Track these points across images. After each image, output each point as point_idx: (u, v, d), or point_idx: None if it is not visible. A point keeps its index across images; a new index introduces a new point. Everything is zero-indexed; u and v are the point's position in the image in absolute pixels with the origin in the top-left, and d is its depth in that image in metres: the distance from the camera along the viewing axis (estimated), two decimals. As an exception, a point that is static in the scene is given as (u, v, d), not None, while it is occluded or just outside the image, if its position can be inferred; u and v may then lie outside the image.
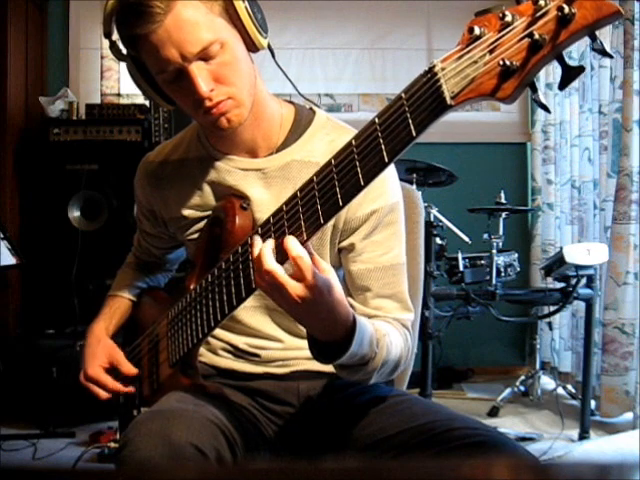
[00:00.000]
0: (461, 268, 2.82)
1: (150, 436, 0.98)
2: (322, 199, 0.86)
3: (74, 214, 3.28)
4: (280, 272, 0.86)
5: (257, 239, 0.92)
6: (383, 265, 1.16)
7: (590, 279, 2.78)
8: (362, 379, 1.06)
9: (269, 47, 1.13)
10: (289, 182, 1.16)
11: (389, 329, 1.10)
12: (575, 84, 3.46)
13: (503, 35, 0.72)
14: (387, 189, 1.16)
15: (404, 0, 3.96)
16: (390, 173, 1.17)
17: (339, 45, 3.96)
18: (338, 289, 0.91)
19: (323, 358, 0.97)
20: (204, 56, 1.04)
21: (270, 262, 0.87)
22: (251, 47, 1.10)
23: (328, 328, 0.92)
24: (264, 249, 0.88)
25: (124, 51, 1.13)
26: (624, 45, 2.87)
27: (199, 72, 1.04)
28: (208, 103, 1.06)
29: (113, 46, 1.13)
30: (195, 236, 1.23)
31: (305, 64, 3.91)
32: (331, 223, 1.14)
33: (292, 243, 0.86)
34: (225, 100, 1.07)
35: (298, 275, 0.87)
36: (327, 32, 3.95)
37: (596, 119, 3.26)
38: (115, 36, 1.11)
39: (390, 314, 1.15)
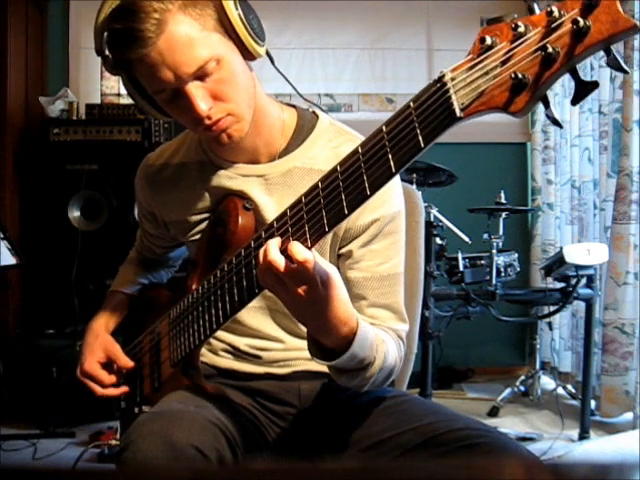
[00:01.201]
0: (461, 268, 2.82)
1: (151, 437, 0.98)
2: (327, 206, 0.85)
3: (74, 214, 3.28)
4: (283, 263, 0.85)
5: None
6: (380, 274, 1.14)
7: (590, 279, 2.78)
8: (358, 385, 1.05)
9: (267, 53, 1.11)
10: (291, 189, 1.15)
11: (386, 337, 1.09)
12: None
13: (516, 46, 0.70)
14: (389, 198, 1.14)
15: (404, 0, 3.96)
16: (393, 181, 1.16)
17: (339, 45, 3.96)
18: (341, 286, 0.91)
19: (323, 359, 0.96)
20: (200, 75, 1.02)
21: (274, 253, 0.86)
22: (248, 56, 1.08)
23: (330, 326, 0.91)
24: (269, 243, 0.87)
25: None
26: (624, 45, 2.87)
27: (196, 92, 1.03)
28: (207, 122, 1.05)
29: (106, 62, 1.11)
30: (197, 237, 1.23)
31: (305, 64, 3.90)
32: (324, 238, 1.13)
33: (298, 248, 0.85)
34: (224, 117, 1.06)
35: (302, 272, 0.86)
36: (327, 32, 3.95)
37: (596, 119, 3.26)
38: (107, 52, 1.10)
39: (385, 324, 1.14)
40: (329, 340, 0.94)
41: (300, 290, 0.86)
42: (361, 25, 3.96)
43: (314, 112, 1.22)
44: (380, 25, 3.96)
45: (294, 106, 1.22)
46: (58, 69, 3.84)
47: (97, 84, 3.87)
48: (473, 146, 3.94)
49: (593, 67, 3.25)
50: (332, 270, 0.90)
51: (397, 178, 1.17)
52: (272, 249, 0.86)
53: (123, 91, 3.89)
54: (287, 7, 3.84)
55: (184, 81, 1.02)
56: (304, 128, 1.18)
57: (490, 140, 3.97)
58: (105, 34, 1.06)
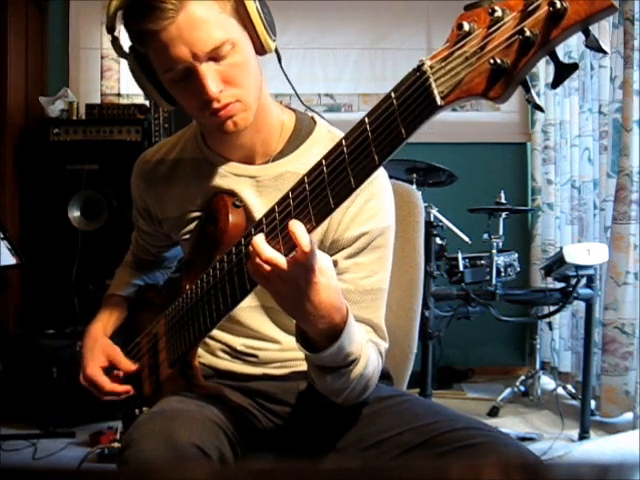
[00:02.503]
0: (461, 268, 2.82)
1: (153, 436, 0.98)
2: (314, 201, 0.85)
3: (74, 214, 3.28)
4: (281, 259, 0.86)
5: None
6: (364, 288, 1.13)
7: (590, 279, 2.78)
8: (338, 389, 1.04)
9: (276, 51, 1.11)
10: (281, 193, 1.14)
11: (369, 341, 1.09)
12: (575, 84, 3.46)
13: (493, 32, 0.69)
14: (380, 212, 1.13)
15: (404, 0, 3.96)
16: (385, 196, 1.15)
17: (339, 45, 3.96)
18: (334, 274, 0.92)
19: (312, 352, 0.96)
20: (215, 56, 1.02)
21: (268, 251, 0.86)
22: (259, 50, 1.08)
23: (322, 313, 0.91)
24: (257, 240, 0.88)
25: (126, 48, 1.11)
26: (624, 45, 2.87)
27: (208, 72, 1.02)
28: (216, 105, 1.04)
29: (115, 42, 1.10)
30: (189, 236, 1.22)
31: (305, 64, 3.90)
32: (318, 238, 1.12)
33: (304, 238, 0.85)
34: (233, 102, 1.05)
35: (303, 262, 0.86)
36: (327, 32, 3.95)
37: (596, 119, 3.25)
38: (117, 32, 1.09)
39: None
40: (320, 329, 0.93)
41: (299, 279, 0.87)
42: (361, 25, 3.96)
43: (312, 117, 1.21)
44: (380, 25, 3.96)
45: (293, 109, 1.22)
46: (58, 69, 3.84)
47: (97, 84, 3.87)
48: (473, 146, 3.94)
49: (593, 67, 3.25)
50: (326, 258, 0.91)
51: (390, 193, 1.17)
52: (264, 248, 0.86)
53: (123, 91, 3.91)
54: (287, 7, 3.84)
55: (199, 59, 1.01)
56: (301, 133, 1.18)
57: (490, 140, 3.97)
58: (120, 12, 1.03)
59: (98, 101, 3.78)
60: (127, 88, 3.83)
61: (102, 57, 3.82)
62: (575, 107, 3.49)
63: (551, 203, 3.75)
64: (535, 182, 3.90)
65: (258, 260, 0.87)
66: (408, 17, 3.98)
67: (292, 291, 0.89)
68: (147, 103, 3.40)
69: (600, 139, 3.19)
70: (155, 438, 0.97)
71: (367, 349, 1.04)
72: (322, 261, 0.89)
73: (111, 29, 1.08)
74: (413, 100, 0.74)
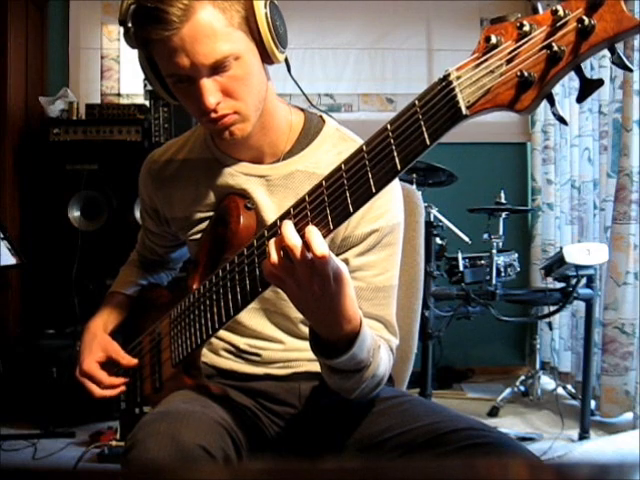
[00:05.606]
0: (461, 268, 2.82)
1: (159, 437, 0.98)
2: (332, 204, 0.85)
3: (74, 214, 3.28)
4: (303, 248, 0.85)
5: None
6: (375, 285, 1.14)
7: (590, 279, 2.78)
8: (348, 389, 1.05)
9: (286, 60, 1.11)
10: (292, 192, 1.15)
11: (381, 344, 1.09)
12: (575, 84, 3.46)
13: (521, 45, 0.71)
14: (390, 209, 1.14)
15: (404, 0, 3.96)
16: (394, 193, 1.16)
17: (339, 45, 3.96)
18: (351, 284, 0.92)
19: (323, 356, 0.96)
20: (216, 68, 1.02)
21: (295, 238, 0.85)
22: (267, 60, 1.08)
23: (336, 322, 0.92)
24: (287, 226, 0.87)
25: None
26: (624, 45, 2.87)
27: (207, 84, 1.03)
28: (213, 115, 1.05)
29: (127, 33, 1.09)
30: (198, 236, 1.22)
31: (305, 64, 3.90)
32: (329, 237, 1.12)
33: (318, 241, 0.84)
34: (230, 114, 1.06)
35: (318, 267, 0.85)
36: (327, 32, 3.95)
37: (596, 119, 3.26)
38: (130, 24, 1.09)
39: (377, 333, 1.13)
40: (332, 336, 0.94)
41: (312, 284, 0.86)
42: (361, 25, 3.96)
43: (321, 117, 1.22)
44: (380, 25, 3.96)
45: (302, 109, 1.22)
46: (58, 69, 3.84)
47: (97, 84, 3.87)
48: (473, 146, 3.94)
49: (593, 67, 3.24)
50: (343, 267, 0.90)
51: (398, 190, 1.17)
52: (293, 234, 0.85)
53: (123, 91, 3.91)
54: (287, 7, 3.81)
55: (199, 71, 1.02)
56: (310, 132, 1.18)
57: (490, 140, 3.97)
58: (132, 7, 1.03)
59: (98, 101, 3.77)
60: (127, 88, 3.83)
61: (102, 57, 3.82)
62: (575, 107, 3.49)
63: (551, 203, 3.75)
64: (535, 182, 3.90)
65: (280, 243, 0.86)
66: (408, 17, 3.98)
67: (305, 294, 0.88)
68: (147, 103, 3.40)
69: (600, 139, 3.19)
70: (161, 438, 0.97)
71: (378, 353, 1.04)
72: (338, 270, 0.88)
73: (124, 22, 1.07)
74: (438, 109, 0.75)
